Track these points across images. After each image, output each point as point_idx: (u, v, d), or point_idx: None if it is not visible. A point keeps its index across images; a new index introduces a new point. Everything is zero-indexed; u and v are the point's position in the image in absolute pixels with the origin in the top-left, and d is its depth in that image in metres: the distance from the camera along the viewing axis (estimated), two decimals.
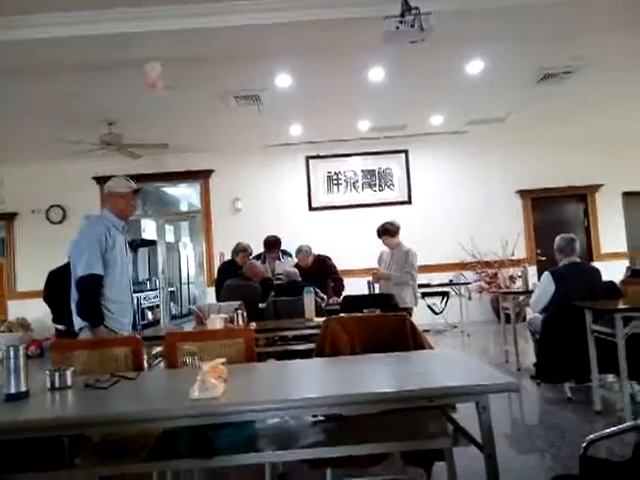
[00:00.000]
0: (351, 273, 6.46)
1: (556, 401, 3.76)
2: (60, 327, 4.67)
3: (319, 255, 5.29)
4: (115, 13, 4.00)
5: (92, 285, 2.67)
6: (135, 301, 3.24)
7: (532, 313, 4.32)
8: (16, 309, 7.69)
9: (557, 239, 3.97)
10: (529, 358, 4.83)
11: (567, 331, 3.57)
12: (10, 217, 8.10)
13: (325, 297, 4.71)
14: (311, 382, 1.88)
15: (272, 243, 5.34)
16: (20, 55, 4.34)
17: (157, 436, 1.79)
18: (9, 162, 7.76)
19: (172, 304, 9.98)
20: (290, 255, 5.48)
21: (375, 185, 8.29)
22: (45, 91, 5.26)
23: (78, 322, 2.73)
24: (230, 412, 1.52)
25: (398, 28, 3.60)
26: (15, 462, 1.68)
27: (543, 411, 3.72)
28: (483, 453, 1.49)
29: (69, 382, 1.87)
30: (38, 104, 5.61)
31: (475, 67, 5.38)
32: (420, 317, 5.06)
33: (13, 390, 1.76)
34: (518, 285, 7.02)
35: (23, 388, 1.77)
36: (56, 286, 4.69)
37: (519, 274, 6.46)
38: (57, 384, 1.86)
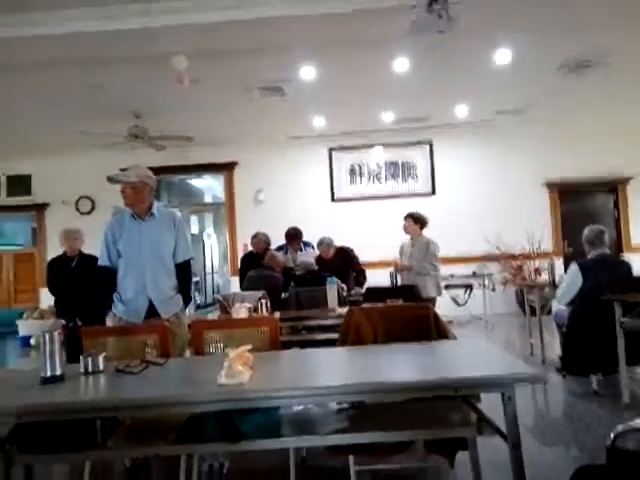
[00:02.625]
0: (373, 265, 6.45)
1: (582, 394, 3.70)
2: (64, 322, 4.23)
3: (341, 247, 5.31)
4: (141, 7, 4.06)
5: (98, 275, 3.00)
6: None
7: (558, 305, 4.25)
8: (48, 296, 7.93)
9: (586, 230, 3.89)
10: (554, 351, 4.75)
11: (595, 323, 3.51)
12: (41, 208, 8.36)
13: (345, 288, 4.72)
14: (335, 370, 1.90)
15: (292, 236, 5.40)
16: (50, 49, 4.46)
17: (185, 420, 1.84)
18: (40, 154, 7.98)
19: (197, 294, 10.15)
20: (312, 246, 5.52)
21: (398, 176, 8.23)
22: (74, 84, 5.37)
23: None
24: (256, 398, 1.56)
25: (425, 18, 3.55)
26: (51, 443, 1.76)
27: (568, 403, 3.67)
28: (507, 443, 1.49)
29: (101, 367, 1.94)
30: (67, 97, 5.75)
31: (502, 56, 5.26)
32: (443, 309, 5.01)
33: (49, 373, 1.84)
34: (544, 278, 6.90)
35: (58, 372, 1.85)
36: (56, 277, 4.44)
37: (545, 267, 6.35)
38: (90, 369, 1.93)
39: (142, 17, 4.04)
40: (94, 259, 3.78)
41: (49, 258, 4.87)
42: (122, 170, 2.98)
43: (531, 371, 1.49)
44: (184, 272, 3.04)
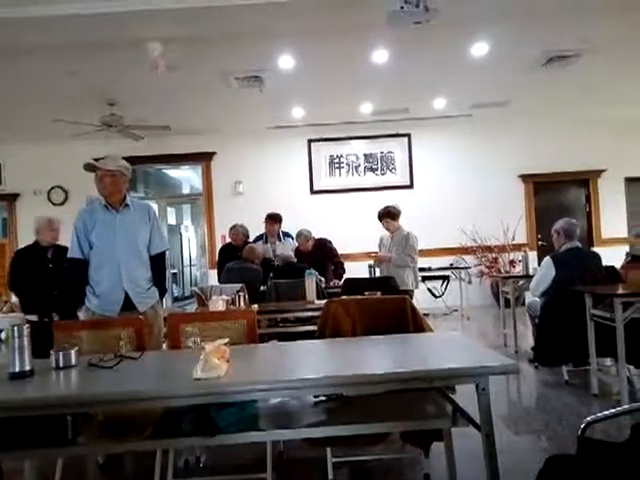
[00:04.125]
0: (352, 257, 6.49)
1: (553, 384, 3.80)
2: (32, 317, 3.81)
3: (320, 239, 5.31)
4: None
5: (70, 268, 2.91)
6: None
7: (531, 297, 4.34)
8: None
9: (558, 222, 3.98)
10: (527, 342, 4.87)
11: (566, 315, 3.60)
12: (12, 198, 8.10)
13: (324, 280, 4.73)
14: (313, 363, 1.90)
15: (273, 216, 5.43)
16: (20, 33, 4.29)
17: (160, 415, 1.82)
18: (11, 142, 7.73)
19: (174, 286, 10.03)
20: (292, 237, 5.51)
21: (377, 169, 8.25)
22: (46, 71, 5.20)
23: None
24: (233, 392, 1.54)
25: (402, 8, 3.54)
26: (19, 439, 1.71)
27: (540, 394, 3.77)
28: (481, 433, 1.52)
29: (74, 361, 1.90)
30: (39, 84, 5.56)
31: (480, 49, 5.31)
32: (420, 300, 5.11)
33: (17, 369, 1.78)
34: (518, 270, 7.05)
35: (27, 367, 1.79)
36: (27, 270, 3.97)
37: (519, 259, 6.47)
38: (61, 363, 1.88)
39: (118, 1, 3.92)
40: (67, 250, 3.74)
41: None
42: (96, 160, 2.88)
43: (504, 362, 1.52)
44: (159, 264, 3.00)
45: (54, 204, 8.04)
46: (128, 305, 2.80)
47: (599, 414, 1.47)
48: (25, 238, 7.95)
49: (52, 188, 8.10)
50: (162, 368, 1.96)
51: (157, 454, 2.22)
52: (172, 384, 1.63)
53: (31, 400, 1.56)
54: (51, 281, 3.89)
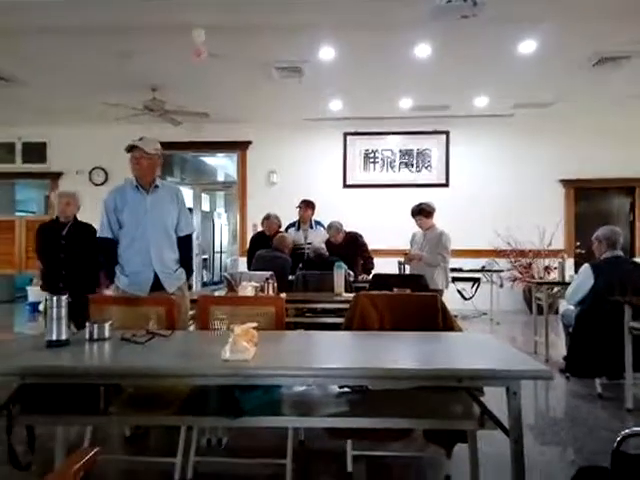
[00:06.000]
0: (382, 253, 6.43)
1: (585, 396, 3.68)
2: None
3: (350, 232, 5.29)
4: None
5: (99, 247, 2.97)
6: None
7: (566, 305, 4.20)
8: None
9: (601, 229, 3.83)
10: (558, 351, 4.73)
11: (602, 326, 3.47)
12: (55, 176, 8.39)
13: (352, 274, 4.72)
14: (340, 353, 1.89)
15: (308, 202, 5.50)
16: (69, 14, 4.40)
17: (187, 393, 1.85)
18: (56, 123, 7.99)
19: (204, 271, 10.21)
20: (323, 226, 5.52)
21: (412, 165, 8.14)
22: (91, 53, 5.34)
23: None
24: (259, 375, 1.55)
25: (450, 1, 3.47)
26: (54, 405, 1.78)
27: (570, 405, 3.65)
28: (509, 438, 1.48)
29: (107, 334, 1.95)
30: (84, 66, 5.71)
31: (527, 47, 5.13)
32: (449, 301, 4.99)
33: (54, 337, 1.85)
34: (553, 276, 6.84)
35: (64, 336, 1.86)
36: (45, 245, 3.81)
37: (555, 265, 6.27)
38: (96, 335, 1.94)
39: None
40: (88, 228, 3.73)
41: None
42: (139, 140, 2.93)
43: (538, 367, 1.47)
44: (186, 245, 3.04)
45: (95, 184, 8.29)
46: (157, 285, 2.85)
47: (635, 428, 1.41)
48: None
49: (93, 169, 8.35)
50: (191, 347, 1.99)
51: (181, 431, 2.26)
52: (201, 363, 1.66)
53: (67, 368, 1.61)
54: (60, 259, 3.69)
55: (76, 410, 1.77)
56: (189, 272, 3.07)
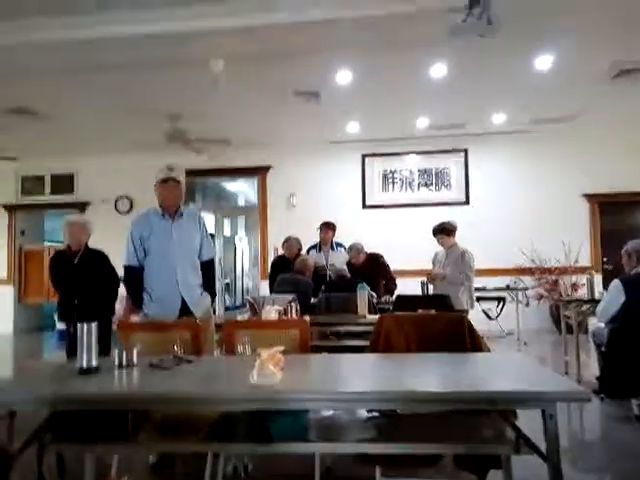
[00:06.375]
0: (404, 273, 6.37)
1: (621, 418, 3.53)
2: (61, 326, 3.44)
3: (372, 253, 5.28)
4: (182, 11, 4.14)
5: (126, 274, 3.01)
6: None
7: (596, 323, 4.08)
8: None
9: (630, 243, 3.74)
10: (590, 371, 4.57)
11: (637, 343, 3.35)
12: (82, 206, 8.63)
13: (375, 295, 4.68)
14: (367, 376, 1.87)
15: (328, 224, 5.53)
16: (90, 53, 4.61)
17: (215, 419, 1.85)
18: (83, 154, 8.27)
19: (226, 295, 10.26)
20: (344, 247, 5.53)
21: (431, 184, 8.13)
22: (114, 88, 5.54)
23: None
24: (287, 399, 1.54)
25: (465, 21, 3.50)
26: (83, 432, 1.79)
27: (606, 427, 3.51)
28: (547, 464, 1.42)
29: (135, 361, 1.97)
30: (107, 99, 5.93)
31: (544, 62, 5.14)
32: (474, 321, 4.89)
33: (85, 365, 1.87)
34: (580, 293, 6.66)
35: (94, 364, 1.88)
36: (58, 274, 3.70)
37: (583, 282, 6.12)
38: (124, 362, 1.96)
39: (181, 21, 4.13)
40: (100, 255, 3.70)
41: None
42: (169, 168, 3.00)
43: (575, 388, 1.42)
44: (209, 270, 3.10)
45: (120, 212, 8.49)
46: (184, 310, 2.89)
47: None
48: (93, 245, 8.46)
49: (119, 197, 8.56)
50: (218, 372, 1.99)
51: (208, 457, 2.24)
52: (228, 388, 1.66)
53: (98, 395, 1.63)
54: (73, 288, 3.59)
55: (105, 437, 1.78)
56: (213, 296, 3.12)
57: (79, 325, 1.88)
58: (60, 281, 3.71)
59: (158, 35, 4.28)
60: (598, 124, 7.21)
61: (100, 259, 3.67)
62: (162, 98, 5.92)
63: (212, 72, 4.76)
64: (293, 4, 3.99)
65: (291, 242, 5.42)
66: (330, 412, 1.91)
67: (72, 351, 3.26)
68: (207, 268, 3.08)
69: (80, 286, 3.56)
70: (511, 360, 2.08)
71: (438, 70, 5.28)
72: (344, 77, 5.42)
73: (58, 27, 4.16)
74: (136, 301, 2.97)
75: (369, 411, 1.85)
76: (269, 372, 1.58)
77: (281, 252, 5.73)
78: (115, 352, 1.98)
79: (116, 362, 1.95)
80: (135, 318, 3.26)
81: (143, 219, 3.00)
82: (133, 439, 1.78)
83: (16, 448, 1.61)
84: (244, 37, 4.41)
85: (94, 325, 1.88)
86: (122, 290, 4.27)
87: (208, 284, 3.07)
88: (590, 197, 7.76)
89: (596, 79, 5.59)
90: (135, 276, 2.95)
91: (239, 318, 3.90)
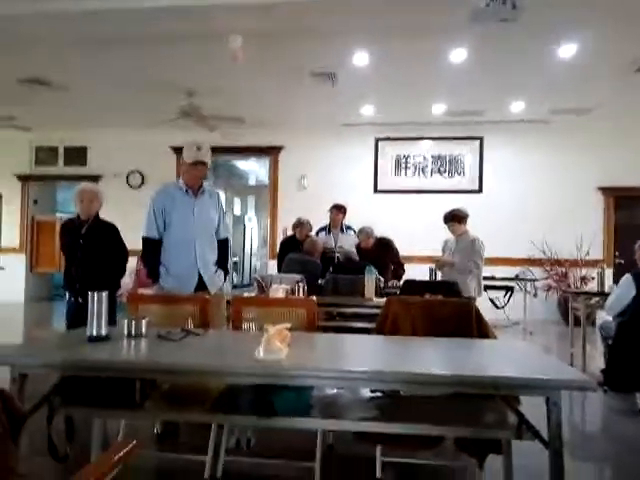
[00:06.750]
0: (413, 259, 6.36)
1: (624, 411, 3.53)
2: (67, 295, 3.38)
3: (381, 238, 5.26)
4: None
5: (145, 246, 2.99)
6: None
7: (604, 317, 4.06)
8: None
9: None
10: (595, 364, 4.56)
11: None
12: (95, 179, 8.66)
13: (382, 279, 4.68)
14: (372, 357, 1.88)
15: (339, 206, 5.49)
16: (107, 25, 4.56)
17: (220, 392, 1.87)
18: (96, 127, 8.27)
19: (234, 274, 10.33)
20: (353, 230, 5.51)
21: (445, 171, 8.04)
22: (129, 60, 5.50)
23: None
24: (293, 375, 1.56)
25: (488, 5, 3.42)
26: (92, 398, 1.83)
27: (609, 420, 3.51)
28: (549, 450, 1.43)
29: (144, 331, 2.00)
30: (123, 73, 5.90)
31: (567, 51, 5.01)
32: (481, 310, 4.90)
33: (95, 333, 1.91)
34: (590, 287, 6.61)
35: (104, 332, 1.91)
36: (66, 243, 3.52)
37: (593, 275, 6.07)
38: (133, 332, 1.99)
39: None
40: (110, 227, 3.46)
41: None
42: (179, 149, 3.01)
43: (580, 377, 1.42)
44: (224, 248, 3.14)
45: (131, 187, 8.52)
46: (200, 286, 2.94)
47: None
48: (105, 218, 8.52)
49: (131, 172, 8.59)
50: (225, 346, 2.02)
51: (212, 429, 2.29)
52: (234, 362, 1.68)
53: (106, 362, 1.66)
54: (78, 259, 3.41)
55: (113, 403, 1.82)
56: (226, 274, 3.16)
57: (90, 294, 1.91)
58: (66, 249, 3.56)
59: (175, 8, 4.24)
60: (616, 117, 7.06)
61: (109, 231, 3.49)
62: (178, 73, 5.87)
63: (230, 47, 4.71)
64: None
65: (304, 226, 5.38)
66: (334, 390, 1.93)
67: (72, 321, 3.24)
68: (223, 246, 3.12)
69: (85, 257, 3.39)
70: (517, 348, 2.08)
71: (458, 55, 5.17)
72: (361, 59, 5.33)
73: None
74: (152, 274, 2.97)
75: (372, 391, 1.87)
76: (276, 347, 1.59)
77: (290, 233, 5.73)
78: (124, 322, 2.00)
79: (125, 332, 1.97)
80: (148, 291, 3.28)
81: (165, 192, 3.01)
82: (140, 407, 1.82)
83: (26, 409, 1.65)
84: (261, 14, 4.34)
85: (104, 294, 1.91)
86: (132, 264, 4.27)
87: (222, 262, 3.11)
88: (605, 190, 7.65)
89: (616, 73, 5.46)
90: (154, 248, 2.95)
91: (245, 295, 3.92)
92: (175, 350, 1.81)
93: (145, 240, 2.99)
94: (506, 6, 3.42)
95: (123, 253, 3.52)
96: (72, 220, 3.62)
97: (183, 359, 1.71)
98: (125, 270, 3.56)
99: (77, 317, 2.96)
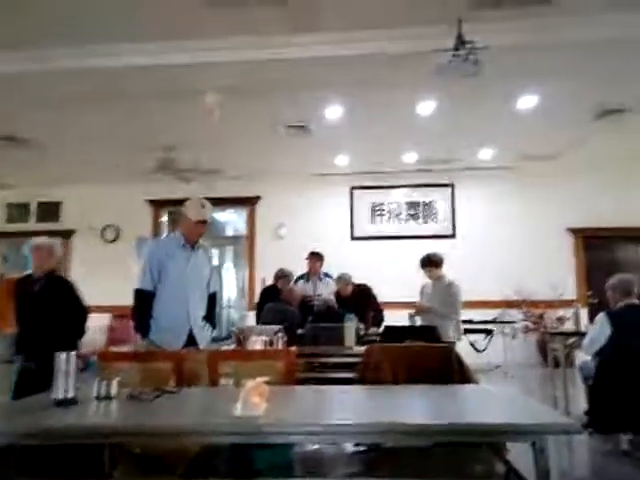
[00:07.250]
0: (391, 305, 6.35)
1: (610, 453, 3.48)
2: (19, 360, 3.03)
3: (360, 284, 5.26)
4: (177, 45, 4.24)
5: (138, 299, 2.92)
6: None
7: (583, 357, 4.07)
8: None
9: (613, 277, 3.77)
10: (578, 405, 4.53)
11: (625, 377, 3.34)
12: (68, 234, 8.52)
13: (363, 326, 4.64)
14: (353, 409, 1.82)
15: (316, 254, 5.48)
16: (82, 83, 4.63)
17: (196, 452, 1.78)
18: (70, 182, 8.20)
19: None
20: (331, 277, 5.49)
21: (419, 217, 8.21)
22: (105, 117, 5.56)
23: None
24: (272, 432, 1.49)
25: (451, 62, 3.63)
26: (58, 468, 1.71)
27: (595, 463, 3.45)
28: None
29: (114, 392, 1.91)
30: (98, 129, 5.94)
31: (529, 102, 5.30)
32: (462, 353, 4.88)
33: (61, 396, 1.81)
34: (567, 327, 6.67)
35: (71, 395, 1.82)
36: (18, 303, 3.22)
37: (568, 316, 6.14)
38: (103, 393, 1.89)
39: (179, 54, 4.21)
40: (65, 283, 3.24)
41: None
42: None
43: (566, 421, 1.40)
44: (213, 302, 3.13)
45: (106, 241, 8.39)
46: (190, 341, 2.89)
47: None
48: (79, 273, 8.29)
49: (106, 226, 8.48)
50: (201, 404, 1.94)
51: None
52: (211, 420, 1.60)
53: (73, 427, 1.56)
54: (31, 319, 3.13)
55: (79, 474, 1.70)
56: (213, 327, 3.14)
57: (56, 355, 1.82)
58: (18, 310, 3.23)
59: (150, 67, 4.36)
60: (582, 161, 7.39)
61: (65, 288, 3.21)
62: (155, 128, 5.95)
63: (206, 103, 4.84)
64: (284, 42, 4.11)
65: (287, 277, 5.25)
66: (316, 446, 1.86)
67: (18, 390, 2.84)
68: (212, 300, 3.11)
69: (40, 317, 3.10)
70: (500, 392, 2.05)
71: (426, 107, 5.42)
72: (334, 112, 5.53)
73: (54, 58, 4.23)
74: (141, 328, 2.86)
75: (356, 444, 1.80)
76: (253, 403, 1.54)
77: (269, 282, 5.67)
78: (94, 383, 1.91)
79: (94, 394, 1.88)
80: (124, 349, 3.17)
81: (162, 244, 3.07)
82: (109, 476, 1.71)
83: None
84: (239, 71, 4.50)
85: (73, 354, 1.83)
86: (104, 321, 4.09)
87: (210, 316, 3.09)
88: (574, 231, 7.89)
89: (577, 120, 5.77)
90: (147, 301, 2.88)
91: (223, 349, 3.81)
92: (148, 411, 1.72)
93: (139, 292, 2.91)
94: (468, 62, 3.63)
95: (81, 312, 3.24)
96: (26, 277, 3.33)
97: (154, 420, 1.62)
98: (84, 330, 3.25)
99: (26, 385, 2.71)
